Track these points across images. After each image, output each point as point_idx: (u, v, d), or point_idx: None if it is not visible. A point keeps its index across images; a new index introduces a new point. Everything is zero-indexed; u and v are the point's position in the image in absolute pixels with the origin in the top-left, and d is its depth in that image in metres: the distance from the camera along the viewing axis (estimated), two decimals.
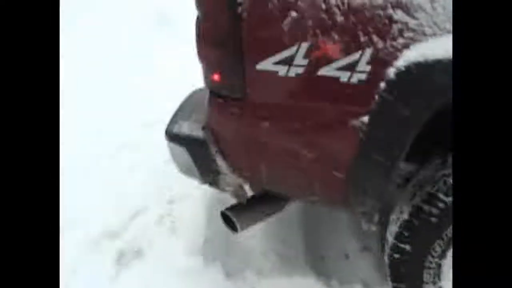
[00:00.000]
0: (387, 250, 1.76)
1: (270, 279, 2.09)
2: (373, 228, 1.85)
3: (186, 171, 1.87)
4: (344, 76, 1.49)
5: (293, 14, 1.47)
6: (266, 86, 1.56)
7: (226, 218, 1.88)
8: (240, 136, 1.66)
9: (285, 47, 1.50)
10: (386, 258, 1.79)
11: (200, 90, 2.19)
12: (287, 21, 1.48)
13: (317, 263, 2.21)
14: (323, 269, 2.18)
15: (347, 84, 1.49)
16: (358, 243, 2.29)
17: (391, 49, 1.44)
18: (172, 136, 1.81)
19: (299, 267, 2.16)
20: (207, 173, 1.77)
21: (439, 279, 1.72)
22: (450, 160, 1.70)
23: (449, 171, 1.65)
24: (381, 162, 1.57)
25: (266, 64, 1.53)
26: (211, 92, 1.68)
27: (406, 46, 1.43)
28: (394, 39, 1.44)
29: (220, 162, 1.73)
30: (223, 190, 1.81)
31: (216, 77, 1.62)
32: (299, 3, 1.46)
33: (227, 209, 1.86)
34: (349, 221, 2.36)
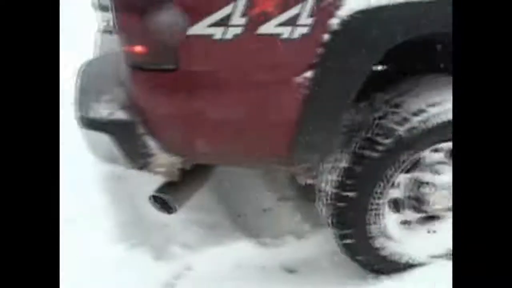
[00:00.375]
0: (329, 200, 1.77)
1: (201, 250, 1.99)
2: (310, 181, 1.83)
3: (108, 159, 1.63)
4: (285, 32, 1.39)
5: None
6: (201, 52, 1.39)
7: (157, 200, 1.70)
8: (174, 110, 1.47)
9: (220, 6, 1.34)
10: (326, 208, 1.80)
11: (89, 65, 1.91)
12: None
13: (240, 223, 2.16)
14: (248, 228, 2.13)
15: (289, 40, 1.40)
16: (273, 196, 2.28)
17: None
18: (88, 122, 1.55)
19: (225, 231, 2.09)
20: (135, 157, 1.56)
21: (380, 218, 1.79)
22: (377, 102, 1.73)
23: (379, 114, 1.68)
24: (328, 116, 1.54)
25: (200, 28, 1.35)
26: (132, 66, 1.45)
27: None
28: None
29: (150, 143, 1.54)
30: (154, 172, 1.62)
31: (139, 49, 1.40)
32: None
33: (158, 191, 1.69)
34: (259, 176, 2.33)
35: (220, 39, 1.37)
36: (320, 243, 2.06)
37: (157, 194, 1.67)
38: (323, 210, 1.85)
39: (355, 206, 1.74)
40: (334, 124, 1.57)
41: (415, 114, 1.63)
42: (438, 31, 1.47)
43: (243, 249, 2.01)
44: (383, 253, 1.86)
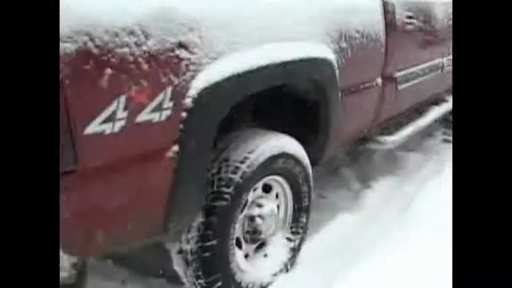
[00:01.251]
0: (192, 256, 2.03)
1: None
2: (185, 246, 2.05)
3: None
4: (155, 117, 1.67)
5: (108, 71, 1.52)
6: (96, 148, 1.54)
7: None
8: (74, 208, 1.55)
9: (107, 104, 1.53)
10: (190, 266, 2.06)
11: None
12: (104, 79, 1.51)
13: None
14: None
15: (158, 123, 1.68)
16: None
17: (183, 83, 1.73)
18: None
19: None
20: None
21: (234, 257, 2.16)
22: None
23: (214, 170, 2.06)
24: (195, 181, 1.85)
25: (94, 127, 1.51)
26: None
27: (193, 77, 1.75)
28: (184, 74, 1.72)
29: None
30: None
31: None
32: (111, 59, 1.52)
33: None
34: None
35: (110, 133, 1.56)
36: None
37: None
38: (186, 272, 2.10)
39: (218, 251, 2.06)
40: (200, 187, 1.89)
41: (242, 162, 2.08)
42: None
43: None
44: (243, 285, 2.21)
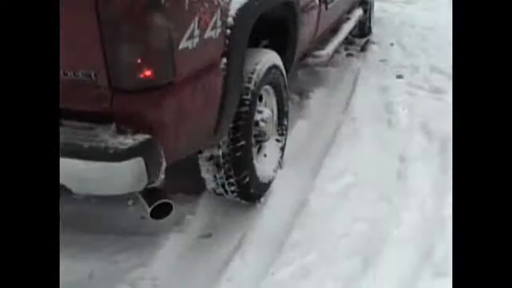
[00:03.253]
0: (224, 158, 2.47)
1: None
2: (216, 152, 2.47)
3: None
4: (213, 34, 2.06)
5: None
6: (185, 62, 1.90)
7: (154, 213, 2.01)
8: (175, 113, 1.92)
9: (189, 24, 1.89)
10: (222, 168, 2.50)
11: None
12: (186, 3, 1.87)
13: None
14: None
15: (215, 39, 2.08)
16: None
17: (226, 5, 2.13)
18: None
19: None
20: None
21: (254, 155, 2.64)
22: None
23: None
24: (237, 84, 2.28)
25: (183, 43, 1.87)
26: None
27: (229, 0, 2.16)
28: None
29: None
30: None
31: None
32: None
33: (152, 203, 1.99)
34: None
35: (192, 48, 1.93)
36: None
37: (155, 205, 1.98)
38: (216, 175, 2.53)
39: (246, 151, 2.52)
40: (239, 93, 2.33)
41: (252, 73, 2.53)
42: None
43: None
44: (260, 180, 2.70)
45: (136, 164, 1.77)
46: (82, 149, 1.74)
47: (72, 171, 1.76)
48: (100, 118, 1.85)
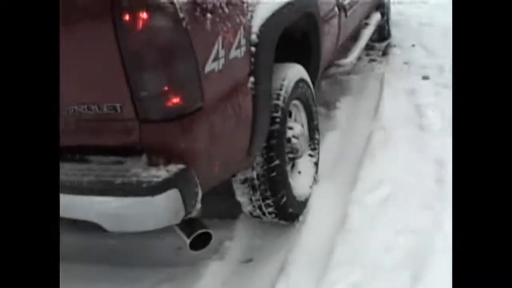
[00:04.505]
0: (260, 180, 2.37)
1: None
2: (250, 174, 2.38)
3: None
4: (238, 53, 1.98)
5: (209, 15, 1.79)
6: (212, 85, 1.81)
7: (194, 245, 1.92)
8: (207, 139, 1.83)
9: (213, 45, 1.81)
10: (257, 191, 2.40)
11: None
12: (208, 23, 1.79)
13: None
14: None
15: (241, 58, 2.00)
16: None
17: (248, 22, 2.05)
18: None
19: None
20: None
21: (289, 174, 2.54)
22: None
23: None
24: (267, 102, 2.19)
25: (209, 66, 1.79)
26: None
27: (252, 17, 2.07)
28: (247, 14, 2.04)
29: None
30: None
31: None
32: (208, 5, 1.80)
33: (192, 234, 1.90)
34: None
35: (218, 70, 1.84)
36: None
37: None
38: (251, 198, 2.43)
39: (281, 170, 2.42)
40: (269, 110, 2.23)
41: (280, 89, 2.44)
42: None
43: None
44: (297, 198, 2.60)
45: (172, 197, 1.68)
46: (113, 186, 1.66)
47: (105, 209, 1.68)
48: (129, 151, 1.77)
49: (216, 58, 1.83)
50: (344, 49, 3.81)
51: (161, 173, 1.69)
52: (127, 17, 1.58)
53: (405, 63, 4.70)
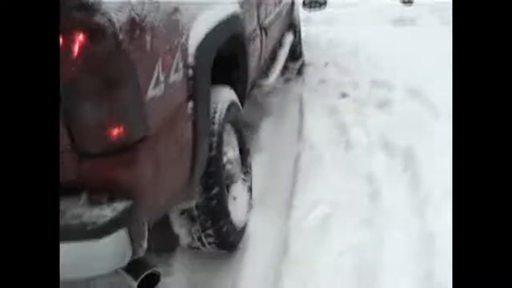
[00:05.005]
0: (199, 210, 2.24)
1: None
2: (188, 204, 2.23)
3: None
4: (177, 77, 1.85)
5: (147, 37, 1.66)
6: (155, 112, 1.67)
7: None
8: (152, 169, 1.68)
9: (153, 68, 1.68)
10: (197, 221, 2.27)
11: None
12: (148, 44, 1.65)
13: None
14: None
15: (179, 82, 1.87)
16: None
17: (185, 43, 1.94)
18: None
19: None
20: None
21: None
22: None
23: None
24: (207, 127, 2.07)
25: (150, 91, 1.65)
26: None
27: (188, 37, 1.95)
28: (183, 35, 1.92)
29: None
30: None
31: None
32: (146, 26, 1.66)
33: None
34: None
35: (159, 96, 1.70)
36: None
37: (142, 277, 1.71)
38: (191, 229, 2.29)
39: (220, 198, 2.30)
40: (208, 136, 2.12)
41: (215, 112, 2.33)
42: None
43: None
44: (237, 225, 2.49)
45: (120, 238, 1.51)
46: None
47: None
48: (66, 190, 1.57)
49: (157, 83, 1.69)
50: (264, 70, 3.79)
51: (106, 212, 1.51)
52: (61, 40, 1.41)
53: (321, 81, 4.76)
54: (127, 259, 1.57)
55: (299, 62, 5.19)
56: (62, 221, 1.48)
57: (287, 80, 4.87)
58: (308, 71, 5.09)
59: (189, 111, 1.94)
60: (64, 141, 1.51)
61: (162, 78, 1.72)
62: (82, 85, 1.47)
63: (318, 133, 3.68)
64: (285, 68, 5.08)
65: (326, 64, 5.20)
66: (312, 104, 4.21)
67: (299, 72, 5.06)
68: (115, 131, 1.52)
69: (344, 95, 4.35)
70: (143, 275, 1.69)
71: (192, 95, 1.95)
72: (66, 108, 1.47)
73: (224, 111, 2.39)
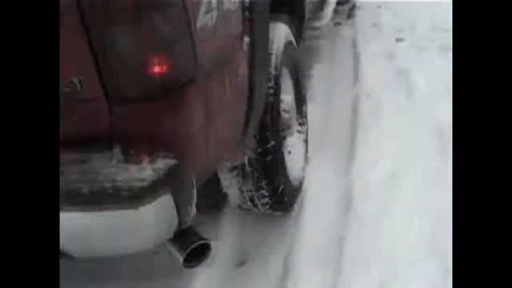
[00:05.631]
0: (252, 166, 1.88)
1: None
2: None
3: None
4: (232, 6, 1.46)
5: None
6: (205, 46, 1.29)
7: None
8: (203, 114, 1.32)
9: None
10: (250, 177, 1.91)
11: None
12: None
13: None
14: None
15: (234, 11, 1.48)
16: None
17: None
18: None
19: None
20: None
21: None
22: None
23: None
24: (264, 65, 1.70)
25: (202, 17, 1.26)
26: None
27: None
28: None
29: None
30: None
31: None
32: None
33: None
34: None
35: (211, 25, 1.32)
36: None
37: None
38: (241, 188, 1.94)
39: (277, 152, 1.93)
40: (266, 76, 1.73)
41: (271, 54, 1.93)
42: None
43: None
44: (293, 183, 2.12)
45: (163, 206, 1.16)
46: (80, 196, 1.12)
47: (70, 229, 1.13)
48: (96, 144, 1.22)
49: (209, 8, 1.29)
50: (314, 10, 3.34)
51: (146, 173, 1.15)
52: None
53: (374, 24, 4.25)
54: (172, 230, 1.23)
55: (349, 4, 4.67)
56: (90, 185, 1.13)
57: (337, 24, 4.37)
58: (359, 14, 4.57)
59: (245, 48, 1.55)
60: (91, 87, 1.15)
61: (214, 2, 1.32)
62: (116, 8, 1.10)
63: (375, 80, 3.23)
64: (333, 11, 4.60)
65: (379, 7, 4.66)
66: (365, 48, 3.72)
67: (349, 15, 4.55)
68: (157, 68, 1.15)
69: (400, 40, 3.85)
70: (191, 247, 1.35)
71: (249, 29, 1.55)
72: (93, 38, 1.10)
73: (280, 51, 1.99)
